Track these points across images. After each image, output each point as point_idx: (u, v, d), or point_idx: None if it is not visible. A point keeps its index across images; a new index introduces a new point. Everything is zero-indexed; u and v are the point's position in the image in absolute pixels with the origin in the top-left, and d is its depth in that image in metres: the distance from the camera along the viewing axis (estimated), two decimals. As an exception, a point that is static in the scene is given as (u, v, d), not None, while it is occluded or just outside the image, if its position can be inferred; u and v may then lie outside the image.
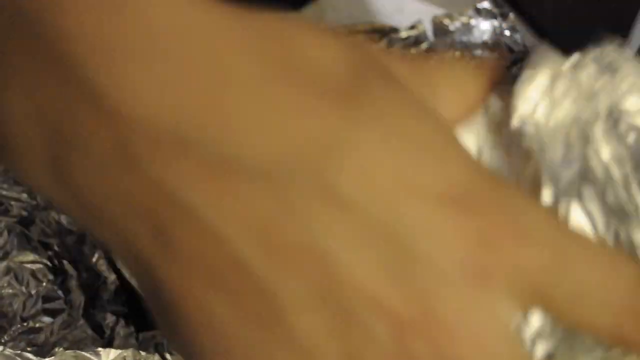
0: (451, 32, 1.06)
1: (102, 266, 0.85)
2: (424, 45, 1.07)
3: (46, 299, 0.77)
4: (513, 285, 0.31)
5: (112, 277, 0.84)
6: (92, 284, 0.82)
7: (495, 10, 1.04)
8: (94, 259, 0.86)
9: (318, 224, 0.30)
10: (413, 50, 1.06)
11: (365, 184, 0.31)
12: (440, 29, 1.07)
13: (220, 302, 0.30)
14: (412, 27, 1.09)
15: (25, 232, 0.82)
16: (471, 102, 0.45)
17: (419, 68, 0.42)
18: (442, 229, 0.30)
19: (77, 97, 0.29)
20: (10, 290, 0.77)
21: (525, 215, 0.34)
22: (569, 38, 0.55)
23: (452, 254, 0.30)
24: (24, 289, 0.78)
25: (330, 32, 0.36)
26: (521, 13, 0.77)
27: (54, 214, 0.86)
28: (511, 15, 1.03)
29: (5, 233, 0.80)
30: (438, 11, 1.29)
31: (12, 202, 0.84)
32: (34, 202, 0.85)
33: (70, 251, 0.85)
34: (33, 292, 0.77)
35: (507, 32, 1.01)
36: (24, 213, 0.83)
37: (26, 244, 0.81)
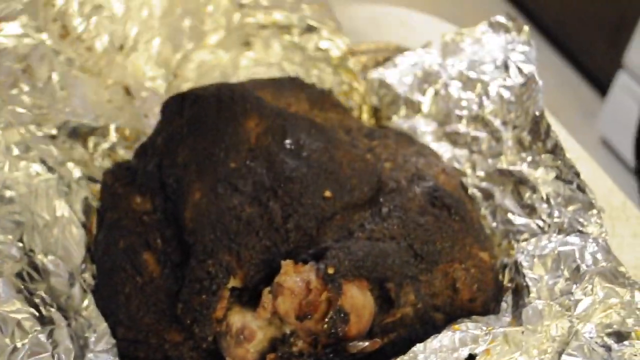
0: (462, 50, 1.01)
1: (93, 312, 0.80)
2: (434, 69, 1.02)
3: (33, 352, 0.71)
4: None
5: (102, 325, 0.78)
6: (81, 334, 0.77)
7: (510, 24, 0.99)
8: (84, 304, 0.81)
9: None
10: (419, 73, 1.01)
11: None
12: (450, 46, 1.02)
13: None
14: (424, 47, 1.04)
15: (10, 277, 0.76)
16: None
17: None
18: None
19: None
20: (-6, 343, 0.71)
21: None
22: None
23: None
24: (8, 340, 0.72)
25: None
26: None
27: (40, 256, 0.81)
28: (525, 28, 0.97)
29: (-12, 279, 0.74)
30: (443, 25, 1.24)
31: (-2, 246, 0.78)
32: (20, 244, 0.80)
33: (58, 297, 0.79)
34: (19, 344, 0.72)
35: (519, 47, 0.96)
36: (9, 256, 0.78)
37: (11, 290, 0.75)
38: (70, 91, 0.94)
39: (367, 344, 0.71)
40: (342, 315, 0.70)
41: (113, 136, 0.98)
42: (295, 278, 0.71)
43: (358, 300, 0.71)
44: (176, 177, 0.82)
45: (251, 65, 1.08)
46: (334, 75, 1.07)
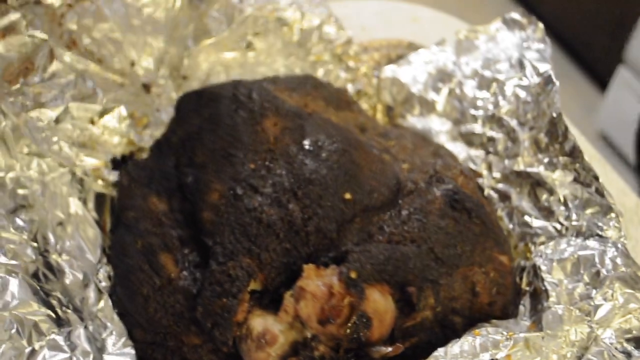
0: (476, 48, 1.00)
1: (109, 314, 0.79)
2: (448, 67, 1.01)
3: (51, 354, 0.71)
4: None
5: (119, 327, 0.77)
6: (98, 336, 0.76)
7: (524, 22, 0.98)
8: (99, 306, 0.80)
9: None
10: (433, 72, 1.00)
11: None
12: (464, 44, 1.01)
13: None
14: (437, 45, 1.03)
15: (26, 277, 0.75)
16: None
17: None
18: None
19: None
20: (12, 344, 0.70)
21: None
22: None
23: None
24: (25, 342, 0.71)
25: None
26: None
27: (55, 256, 0.80)
28: (540, 26, 0.97)
29: (6, 279, 0.73)
30: (452, 21, 1.23)
31: (12, 245, 0.77)
32: (35, 244, 0.79)
33: (73, 297, 0.78)
34: (37, 346, 0.71)
35: (534, 45, 0.95)
36: (24, 257, 0.77)
37: (27, 291, 0.74)
38: (78, 74, 0.93)
39: (390, 349, 0.71)
40: (365, 320, 0.70)
41: (123, 119, 0.97)
42: (317, 282, 0.71)
43: (380, 304, 0.71)
44: (194, 177, 0.81)
45: (255, 63, 1.08)
46: (339, 63, 1.07)
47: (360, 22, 1.20)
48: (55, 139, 0.88)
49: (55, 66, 0.90)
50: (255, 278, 0.74)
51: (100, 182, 0.91)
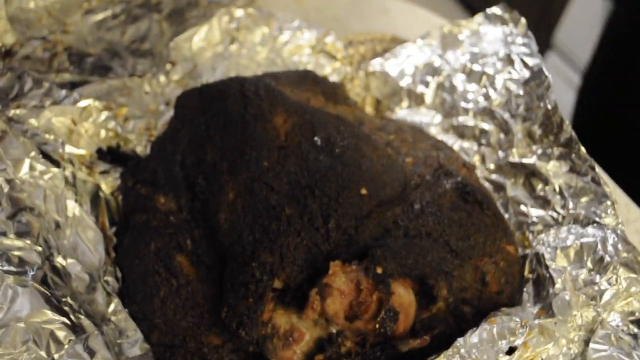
0: (461, 42, 1.02)
1: (122, 317, 0.77)
2: (436, 61, 1.02)
3: (72, 364, 0.69)
4: None
5: (134, 330, 0.75)
6: (114, 340, 0.74)
7: (506, 16, 1.01)
8: (110, 309, 0.78)
9: None
10: (420, 65, 1.02)
11: None
12: (449, 38, 1.03)
13: None
14: (423, 38, 1.04)
15: (35, 285, 0.72)
16: None
17: None
18: None
19: None
20: (29, 356, 0.68)
21: None
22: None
23: None
24: (44, 353, 0.68)
25: None
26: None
27: (59, 259, 0.78)
28: (522, 21, 0.99)
29: (16, 289, 0.71)
30: (421, 12, 1.25)
31: (16, 252, 0.74)
32: (39, 249, 0.76)
33: (82, 302, 0.76)
34: (56, 356, 0.69)
35: (518, 39, 0.98)
36: (31, 263, 0.74)
37: (39, 299, 0.71)
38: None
39: (417, 341, 0.72)
40: (392, 314, 0.71)
41: (101, 112, 0.95)
42: (343, 279, 0.71)
43: (405, 298, 0.72)
44: (205, 177, 0.80)
45: (238, 55, 1.07)
46: (317, 54, 1.07)
47: (333, 12, 1.20)
48: (39, 138, 0.86)
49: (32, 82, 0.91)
50: (278, 277, 0.74)
51: (85, 170, 0.90)
